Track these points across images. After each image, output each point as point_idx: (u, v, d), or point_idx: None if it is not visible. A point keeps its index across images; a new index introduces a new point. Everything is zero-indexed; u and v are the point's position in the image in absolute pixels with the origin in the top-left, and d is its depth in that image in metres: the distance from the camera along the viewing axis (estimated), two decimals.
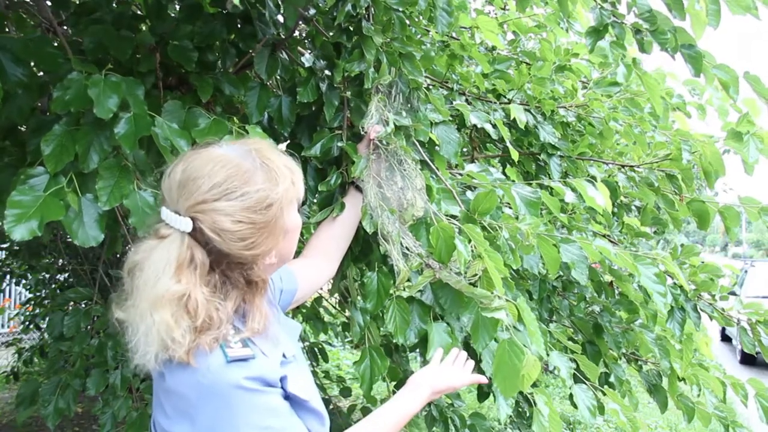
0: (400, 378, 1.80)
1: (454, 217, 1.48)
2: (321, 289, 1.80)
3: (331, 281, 1.76)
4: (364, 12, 1.62)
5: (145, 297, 0.91)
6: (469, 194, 1.65)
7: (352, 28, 1.64)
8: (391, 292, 1.54)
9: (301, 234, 2.48)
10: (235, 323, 0.97)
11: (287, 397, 0.97)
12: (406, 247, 1.44)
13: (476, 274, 1.36)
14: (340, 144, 1.60)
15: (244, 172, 0.96)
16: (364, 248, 1.68)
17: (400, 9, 1.71)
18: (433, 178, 1.60)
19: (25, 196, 1.10)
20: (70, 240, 3.79)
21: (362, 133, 1.58)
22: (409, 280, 1.49)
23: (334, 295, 2.59)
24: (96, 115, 1.16)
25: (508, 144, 2.03)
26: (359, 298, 1.62)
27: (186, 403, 0.91)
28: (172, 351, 0.89)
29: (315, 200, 1.76)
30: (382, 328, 1.66)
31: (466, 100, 2.25)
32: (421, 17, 2.15)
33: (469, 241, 1.39)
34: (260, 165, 0.98)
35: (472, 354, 1.80)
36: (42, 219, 1.09)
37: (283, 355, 1.01)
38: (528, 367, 1.24)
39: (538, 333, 1.32)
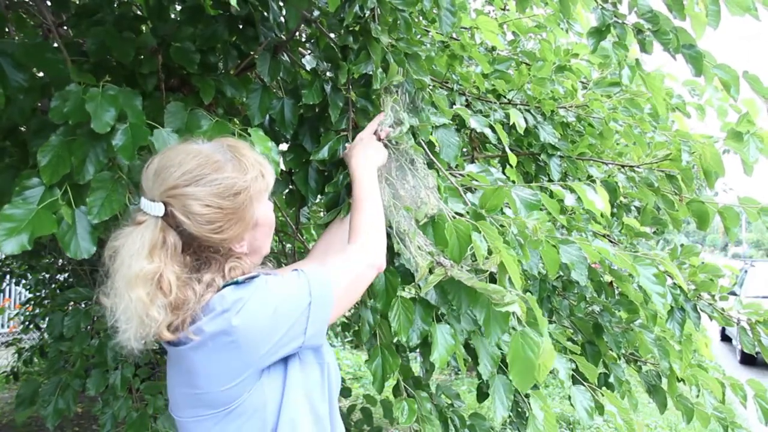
0: (411, 375, 1.82)
1: (459, 214, 1.49)
2: None
3: None
4: (370, 13, 1.62)
5: (121, 277, 0.98)
6: (469, 195, 1.65)
7: (357, 29, 1.65)
8: (400, 290, 1.56)
9: (301, 233, 2.48)
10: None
11: None
12: (418, 246, 1.45)
13: (488, 270, 1.38)
14: (347, 145, 1.61)
15: (214, 162, 1.02)
16: None
17: (405, 9, 1.71)
18: (438, 177, 1.61)
19: (17, 209, 1.10)
20: None
21: (386, 134, 1.59)
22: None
23: None
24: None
25: (506, 148, 2.03)
26: (368, 297, 1.63)
27: (226, 338, 0.96)
28: (149, 328, 0.95)
29: (315, 202, 1.76)
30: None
31: (466, 100, 2.26)
32: (420, 18, 2.15)
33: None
34: (231, 158, 1.05)
35: (473, 354, 1.80)
36: (32, 233, 1.09)
37: None
38: (544, 357, 1.26)
39: (545, 323, 1.35)
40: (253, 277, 1.00)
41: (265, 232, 1.11)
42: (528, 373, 1.30)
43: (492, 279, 1.42)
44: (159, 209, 0.99)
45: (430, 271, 1.42)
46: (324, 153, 1.58)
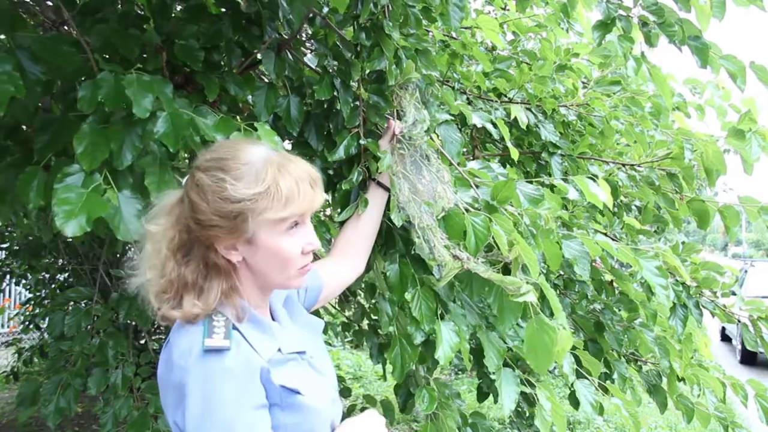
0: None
1: (471, 206, 1.50)
2: None
3: None
4: (381, 9, 1.63)
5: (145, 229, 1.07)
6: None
7: (369, 26, 1.65)
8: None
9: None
10: (219, 307, 1.03)
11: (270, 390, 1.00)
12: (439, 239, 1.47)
13: (500, 261, 1.40)
14: (362, 142, 1.61)
15: (238, 164, 1.02)
16: (386, 241, 1.71)
17: (415, 5, 1.72)
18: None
19: (70, 192, 1.12)
20: (69, 239, 3.80)
21: (400, 130, 1.60)
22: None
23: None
24: (124, 113, 1.20)
25: (509, 143, 2.03)
26: (387, 289, 1.65)
27: (173, 388, 0.98)
28: (145, 280, 1.04)
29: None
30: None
31: (468, 99, 2.26)
32: (421, 16, 2.16)
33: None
34: (260, 170, 1.01)
35: (475, 351, 1.80)
36: (90, 215, 1.11)
37: (279, 350, 1.04)
38: (562, 342, 1.30)
39: (560, 308, 1.37)
40: (221, 350, 0.96)
41: (268, 259, 1.06)
42: (545, 356, 1.33)
43: (505, 269, 1.44)
44: (185, 179, 1.06)
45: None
46: (340, 153, 1.58)
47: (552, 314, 1.43)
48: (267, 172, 1.01)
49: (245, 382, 0.96)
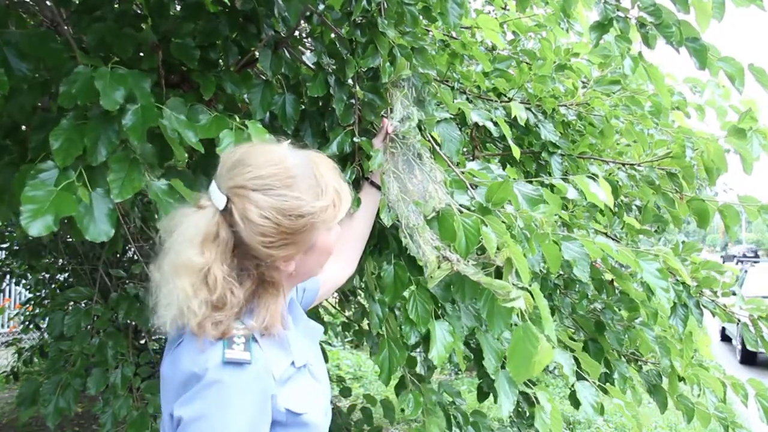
0: (415, 369, 1.83)
1: (466, 208, 1.50)
2: None
3: None
4: (376, 7, 1.62)
5: (169, 261, 0.96)
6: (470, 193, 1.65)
7: (364, 23, 1.65)
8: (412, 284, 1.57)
9: None
10: (243, 318, 0.98)
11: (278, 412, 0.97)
12: (427, 240, 1.46)
13: (492, 264, 1.39)
14: (356, 140, 1.60)
15: (289, 176, 0.98)
16: (379, 241, 1.70)
17: (412, 3, 1.71)
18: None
19: (38, 191, 1.09)
20: (69, 239, 3.80)
21: (392, 128, 1.59)
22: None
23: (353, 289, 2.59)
24: (103, 108, 1.16)
25: (510, 142, 2.03)
26: (377, 290, 1.64)
27: (177, 388, 0.93)
28: (187, 319, 0.93)
29: None
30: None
31: (467, 99, 2.25)
32: (420, 16, 2.15)
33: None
34: (311, 177, 1.00)
35: (474, 352, 1.80)
36: (57, 214, 1.08)
37: (292, 364, 1.02)
38: (542, 354, 1.27)
39: (549, 319, 1.34)
40: (242, 363, 0.92)
41: (318, 259, 1.06)
42: (525, 365, 1.31)
43: (498, 272, 1.43)
44: (221, 202, 0.96)
45: (439, 266, 1.42)
46: (333, 148, 1.57)
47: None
48: (321, 179, 1.01)
49: (258, 403, 0.93)
